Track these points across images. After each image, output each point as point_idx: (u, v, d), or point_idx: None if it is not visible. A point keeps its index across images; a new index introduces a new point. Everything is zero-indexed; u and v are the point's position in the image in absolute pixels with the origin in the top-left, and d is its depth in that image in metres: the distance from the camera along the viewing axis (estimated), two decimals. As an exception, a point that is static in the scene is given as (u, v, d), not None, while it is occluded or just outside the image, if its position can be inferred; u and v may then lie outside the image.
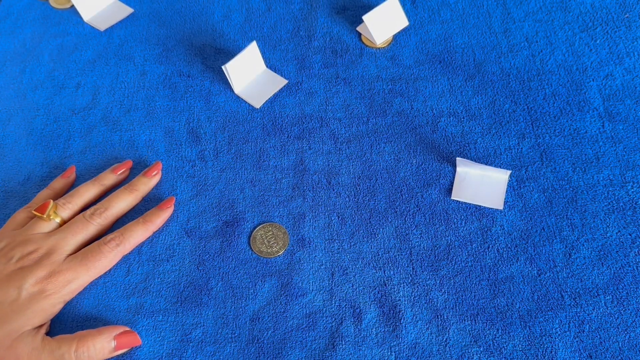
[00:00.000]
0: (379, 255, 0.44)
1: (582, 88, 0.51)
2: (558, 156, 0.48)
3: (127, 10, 0.59)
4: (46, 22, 0.59)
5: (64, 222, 0.43)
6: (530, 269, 0.42)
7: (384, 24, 0.55)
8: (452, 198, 0.46)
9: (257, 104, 0.52)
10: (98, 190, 0.46)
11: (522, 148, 0.48)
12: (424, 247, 0.44)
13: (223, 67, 0.50)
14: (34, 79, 0.55)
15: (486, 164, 0.47)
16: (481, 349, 0.39)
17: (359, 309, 0.41)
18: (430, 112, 0.51)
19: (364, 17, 0.54)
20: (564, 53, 0.54)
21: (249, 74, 0.53)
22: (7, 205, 0.47)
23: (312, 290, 0.42)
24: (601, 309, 0.40)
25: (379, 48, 0.56)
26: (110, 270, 0.43)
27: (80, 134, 0.51)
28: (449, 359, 0.39)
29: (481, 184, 0.46)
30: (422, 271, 0.43)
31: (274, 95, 0.52)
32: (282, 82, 0.53)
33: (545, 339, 0.40)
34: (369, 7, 0.56)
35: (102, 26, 0.58)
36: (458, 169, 0.47)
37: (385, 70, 0.54)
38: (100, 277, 0.43)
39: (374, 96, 0.52)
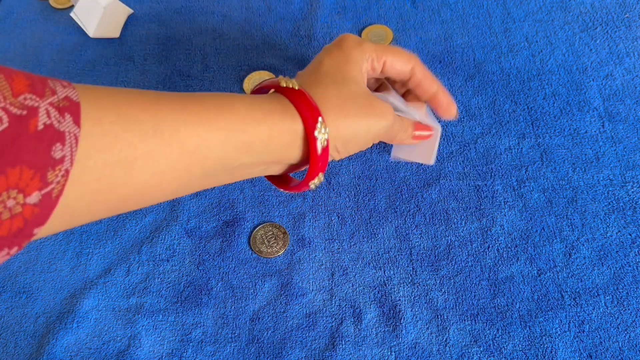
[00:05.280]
0: (379, 255, 0.44)
1: (582, 88, 0.51)
2: (558, 156, 0.48)
3: (127, 11, 0.59)
4: (46, 22, 0.59)
5: None
6: (530, 269, 0.42)
7: None
8: (391, 158, 0.46)
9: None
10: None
11: (522, 148, 0.48)
12: (424, 247, 0.44)
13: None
14: (34, 79, 0.55)
15: (486, 163, 0.47)
16: (481, 349, 0.39)
17: (359, 309, 0.41)
18: (430, 112, 0.51)
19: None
20: (564, 53, 0.54)
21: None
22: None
23: (312, 290, 0.42)
24: (601, 309, 0.40)
25: (379, 48, 0.56)
26: (110, 270, 0.43)
27: (80, 134, 0.51)
28: (449, 359, 0.39)
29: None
30: (422, 271, 0.43)
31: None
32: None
33: (545, 339, 0.40)
34: (368, 8, 0.56)
35: (112, 35, 0.58)
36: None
37: (385, 70, 0.54)
38: (100, 277, 0.43)
39: (374, 96, 0.52)
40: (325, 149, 0.33)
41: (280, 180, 0.39)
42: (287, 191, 0.38)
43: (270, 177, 0.39)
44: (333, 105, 0.34)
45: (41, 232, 0.24)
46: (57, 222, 0.25)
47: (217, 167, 0.31)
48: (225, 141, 0.30)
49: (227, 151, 0.30)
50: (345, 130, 0.34)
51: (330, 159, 0.35)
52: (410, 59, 0.39)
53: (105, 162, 0.25)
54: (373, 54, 0.38)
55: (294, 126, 0.33)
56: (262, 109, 0.32)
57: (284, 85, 0.34)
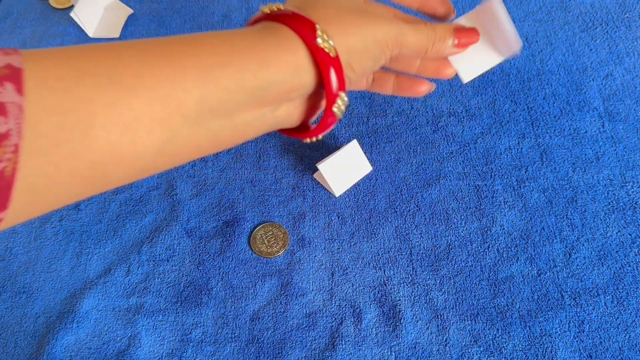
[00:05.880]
0: (379, 255, 0.44)
1: (582, 88, 0.51)
2: (558, 156, 0.48)
3: (127, 11, 0.59)
4: (46, 22, 0.59)
5: None
6: (530, 269, 0.42)
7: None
8: (465, 82, 0.39)
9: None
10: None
11: (522, 148, 0.48)
12: (424, 247, 0.44)
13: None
14: (34, 79, 0.55)
15: (486, 163, 0.47)
16: (481, 349, 0.39)
17: (359, 309, 0.41)
18: (430, 111, 0.51)
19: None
20: (564, 53, 0.54)
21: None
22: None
23: (312, 290, 0.42)
24: (601, 309, 0.41)
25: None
26: (110, 270, 0.43)
27: (80, 134, 0.51)
28: (449, 359, 0.39)
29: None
30: (422, 271, 0.43)
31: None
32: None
33: (545, 339, 0.40)
34: (369, 7, 0.56)
35: (112, 35, 0.58)
36: None
37: (385, 70, 0.54)
38: (100, 277, 0.43)
39: (374, 96, 0.52)
40: (337, 60, 0.29)
41: (300, 130, 0.35)
42: (310, 138, 0.34)
43: (288, 131, 0.35)
44: (332, 18, 0.30)
45: (11, 217, 0.22)
46: (26, 203, 0.22)
47: (202, 112, 0.27)
48: (205, 80, 0.26)
49: (209, 91, 0.26)
50: (353, 40, 0.30)
51: (347, 80, 0.31)
52: None
53: (58, 124, 0.22)
54: None
55: (292, 45, 0.28)
56: (245, 39, 0.28)
57: (269, 11, 0.30)
